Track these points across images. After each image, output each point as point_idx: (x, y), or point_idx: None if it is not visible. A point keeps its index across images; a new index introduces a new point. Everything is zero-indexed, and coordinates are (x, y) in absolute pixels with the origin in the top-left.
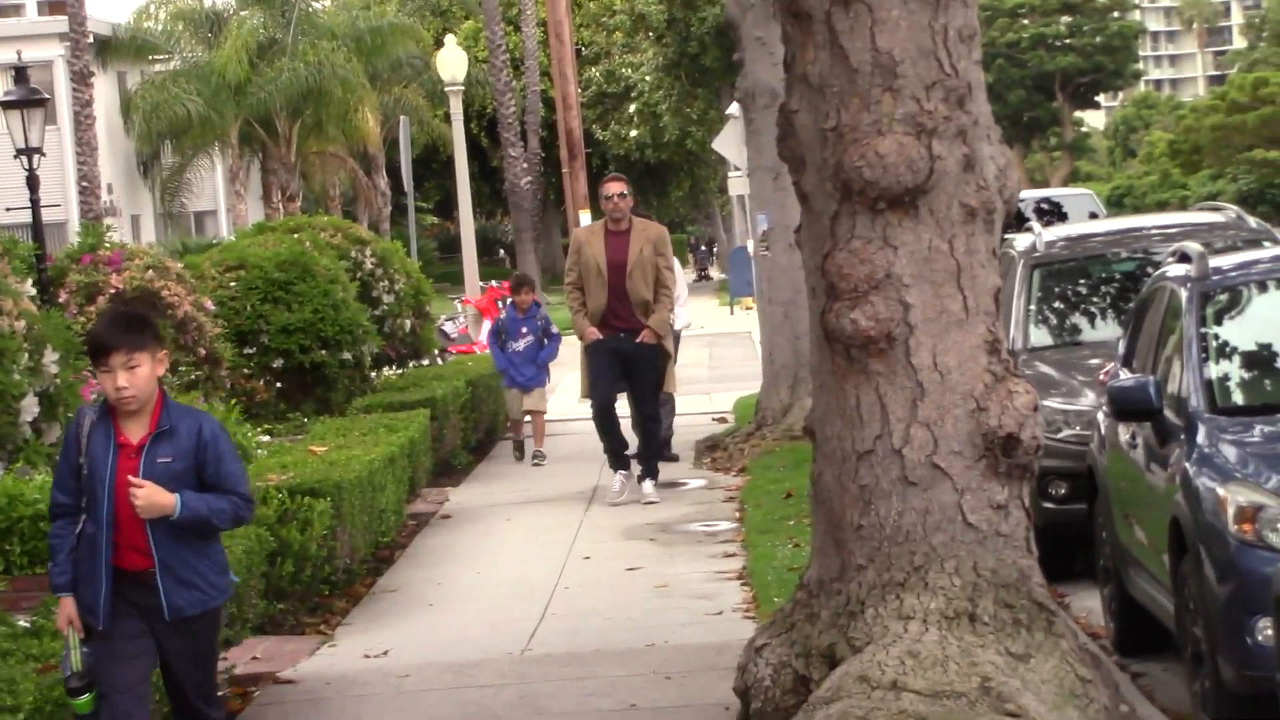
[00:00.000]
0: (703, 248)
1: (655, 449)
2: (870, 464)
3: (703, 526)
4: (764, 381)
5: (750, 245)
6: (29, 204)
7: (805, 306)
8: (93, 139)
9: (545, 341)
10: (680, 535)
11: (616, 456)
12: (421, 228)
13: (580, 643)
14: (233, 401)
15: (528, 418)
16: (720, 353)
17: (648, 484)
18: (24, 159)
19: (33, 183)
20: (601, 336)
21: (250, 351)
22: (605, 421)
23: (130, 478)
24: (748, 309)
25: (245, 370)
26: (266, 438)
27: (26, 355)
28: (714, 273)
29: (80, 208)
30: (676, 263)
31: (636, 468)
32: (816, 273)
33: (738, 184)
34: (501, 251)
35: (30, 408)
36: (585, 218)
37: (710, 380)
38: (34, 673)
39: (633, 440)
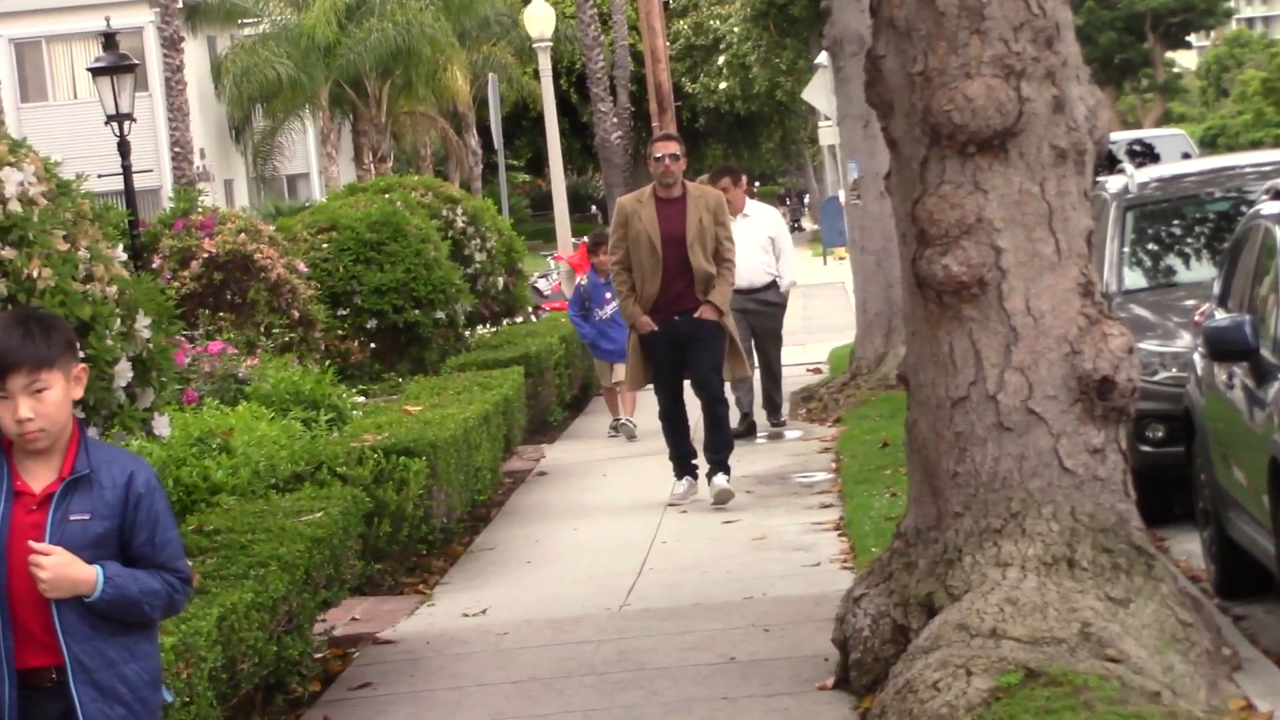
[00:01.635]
0: (791, 199)
1: (725, 438)
2: (965, 410)
3: (799, 477)
4: (858, 331)
5: (842, 195)
6: (121, 170)
7: (897, 255)
8: (184, 104)
9: None
10: (776, 487)
11: (682, 462)
12: (513, 185)
13: (678, 596)
14: (327, 363)
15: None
16: (814, 303)
17: (720, 478)
18: (115, 125)
19: (124, 149)
20: (656, 327)
21: (344, 313)
22: (675, 422)
23: (31, 541)
24: (840, 259)
25: (339, 331)
26: (361, 398)
27: (119, 321)
28: (806, 223)
29: (173, 173)
30: (781, 219)
31: (704, 465)
32: (907, 219)
33: (828, 134)
34: (594, 207)
35: (124, 373)
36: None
37: (804, 331)
38: None
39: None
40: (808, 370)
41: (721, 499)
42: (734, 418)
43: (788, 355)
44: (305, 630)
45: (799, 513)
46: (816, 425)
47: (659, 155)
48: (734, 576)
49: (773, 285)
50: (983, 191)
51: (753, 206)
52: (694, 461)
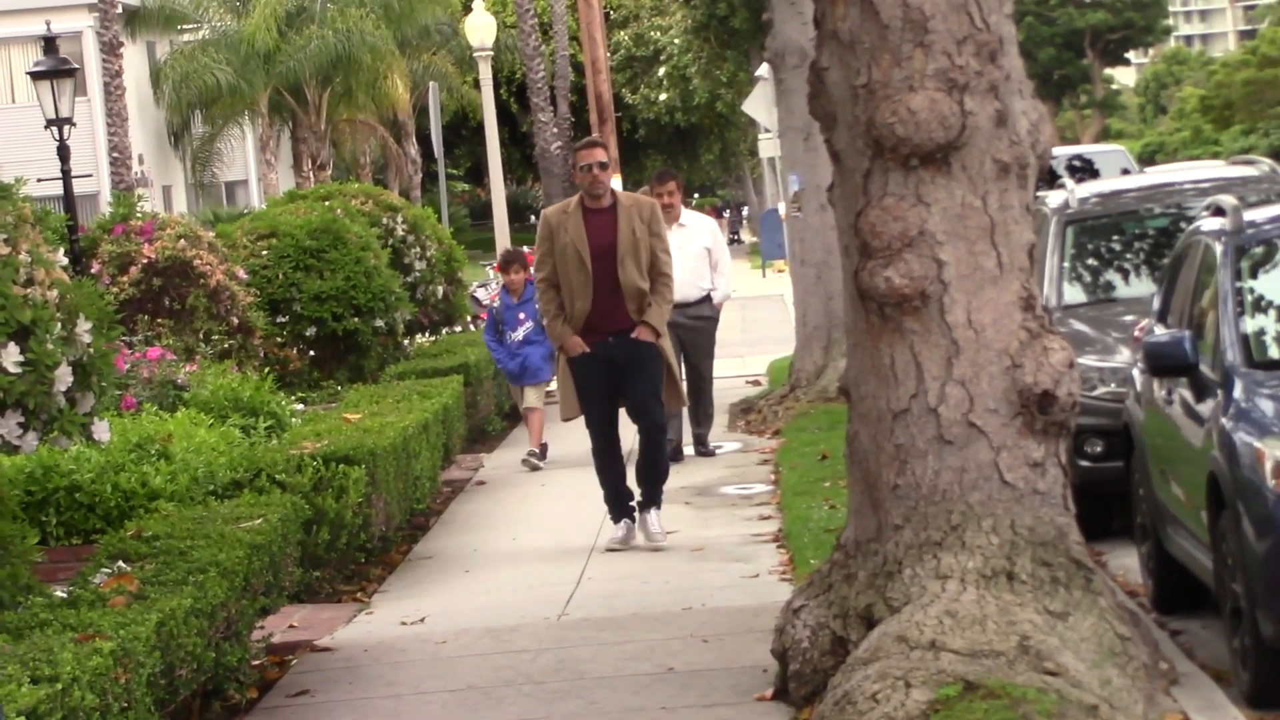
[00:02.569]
0: (730, 211)
1: (660, 468)
2: (906, 423)
3: (738, 489)
4: (797, 343)
5: (781, 207)
6: (60, 175)
7: (838, 267)
8: (123, 109)
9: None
10: (715, 498)
11: (618, 505)
12: (452, 194)
13: (617, 607)
14: (266, 370)
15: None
16: (753, 315)
17: (653, 516)
18: (54, 130)
19: (63, 153)
20: (588, 348)
21: (283, 320)
22: (608, 457)
23: None
24: (779, 271)
25: (278, 339)
26: (300, 406)
27: (60, 325)
28: (745, 235)
29: (111, 179)
30: (718, 229)
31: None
32: (849, 231)
33: (768, 146)
34: (533, 217)
35: (65, 377)
36: (616, 183)
37: (743, 343)
38: (71, 643)
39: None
40: (746, 382)
41: (653, 542)
42: None
43: (726, 367)
44: (244, 637)
45: (738, 524)
46: (755, 437)
47: (585, 164)
48: (673, 587)
49: (706, 299)
50: (925, 204)
51: (689, 216)
52: (632, 504)
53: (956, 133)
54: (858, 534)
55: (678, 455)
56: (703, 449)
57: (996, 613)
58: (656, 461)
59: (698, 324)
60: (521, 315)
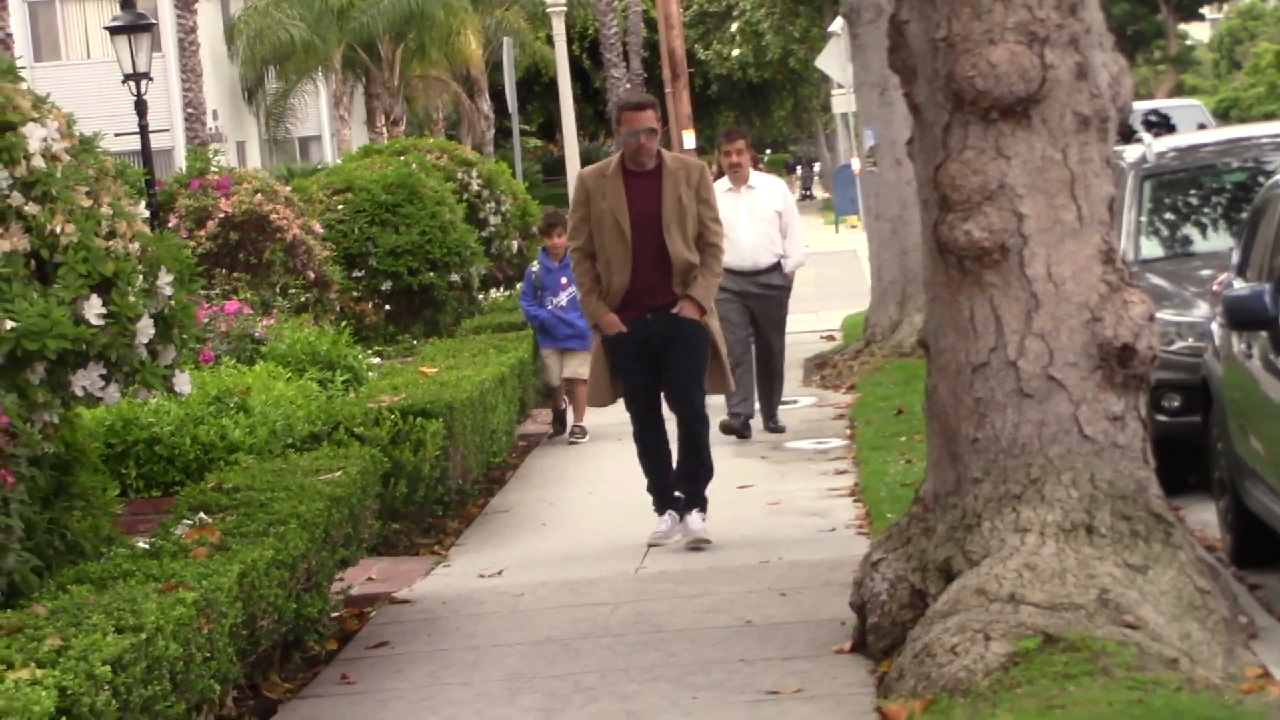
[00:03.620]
0: (802, 167)
1: (703, 465)
2: (985, 377)
3: (813, 444)
4: (872, 298)
5: (855, 163)
6: (138, 129)
7: (912, 222)
8: (197, 65)
9: None
10: (791, 453)
11: (662, 495)
12: (525, 150)
13: (694, 560)
14: (343, 324)
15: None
16: (826, 271)
17: (696, 518)
18: (132, 84)
19: (141, 108)
20: (625, 328)
21: (359, 274)
22: (651, 442)
23: None
24: (852, 227)
25: (354, 293)
26: (377, 360)
27: (141, 278)
28: (817, 192)
29: (186, 134)
30: (789, 192)
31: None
32: (929, 184)
33: (841, 101)
34: None
35: (146, 330)
36: (689, 139)
37: (817, 299)
38: (154, 593)
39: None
40: (821, 337)
41: (697, 546)
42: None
43: (800, 322)
44: (323, 588)
45: (814, 478)
46: (830, 392)
47: (632, 130)
48: (750, 541)
49: (777, 266)
50: (1005, 158)
51: (759, 178)
52: (678, 494)
53: (1036, 86)
54: (936, 487)
55: (745, 430)
56: (772, 424)
57: (1076, 566)
58: (698, 457)
59: (769, 293)
60: (564, 280)
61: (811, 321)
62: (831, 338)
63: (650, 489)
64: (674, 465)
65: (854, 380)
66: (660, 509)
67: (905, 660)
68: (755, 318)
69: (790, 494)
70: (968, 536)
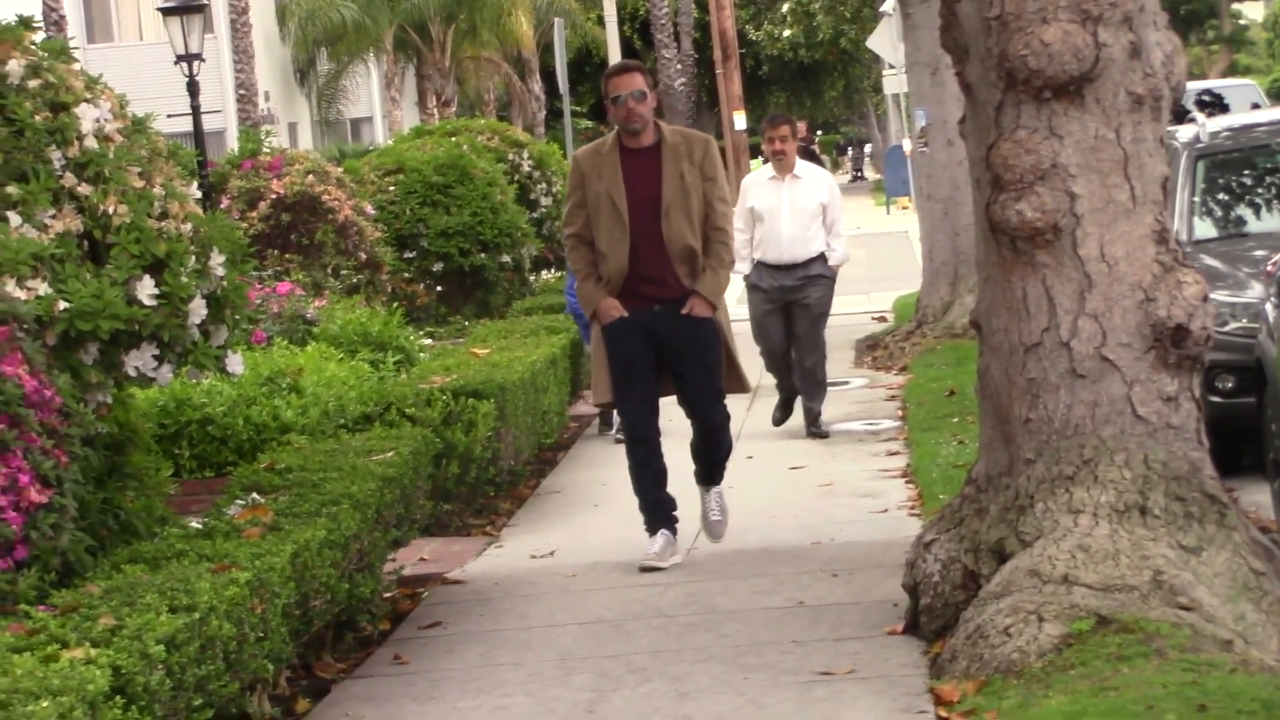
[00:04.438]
0: (853, 148)
1: (721, 452)
2: (1038, 357)
3: (865, 425)
4: (924, 279)
5: (906, 144)
6: (190, 111)
7: (964, 203)
8: (249, 46)
9: None
10: (843, 434)
11: (655, 512)
12: (576, 131)
13: (746, 541)
14: (394, 305)
15: None
16: (877, 252)
17: (714, 497)
18: (184, 65)
19: (193, 89)
20: (625, 313)
21: (410, 255)
22: (645, 452)
23: None
24: (903, 208)
25: (406, 274)
26: (428, 341)
27: (194, 258)
28: (869, 173)
29: (238, 116)
30: (834, 184)
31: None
32: (981, 164)
33: (892, 82)
34: None
35: (199, 310)
36: (740, 120)
37: (868, 280)
38: (208, 573)
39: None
40: (872, 318)
41: (715, 532)
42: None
43: (851, 304)
44: (376, 569)
45: (866, 460)
46: (882, 373)
47: (616, 95)
48: (801, 522)
49: (820, 258)
50: (1058, 137)
51: (804, 167)
52: (674, 512)
53: (1090, 65)
54: (989, 468)
55: (789, 410)
56: (815, 429)
57: (1129, 547)
58: (715, 449)
59: (807, 282)
60: None
61: (863, 303)
62: (883, 319)
63: (642, 506)
64: (676, 506)
65: (905, 361)
66: (652, 527)
67: (958, 641)
68: (793, 313)
69: (842, 475)
70: (1020, 518)
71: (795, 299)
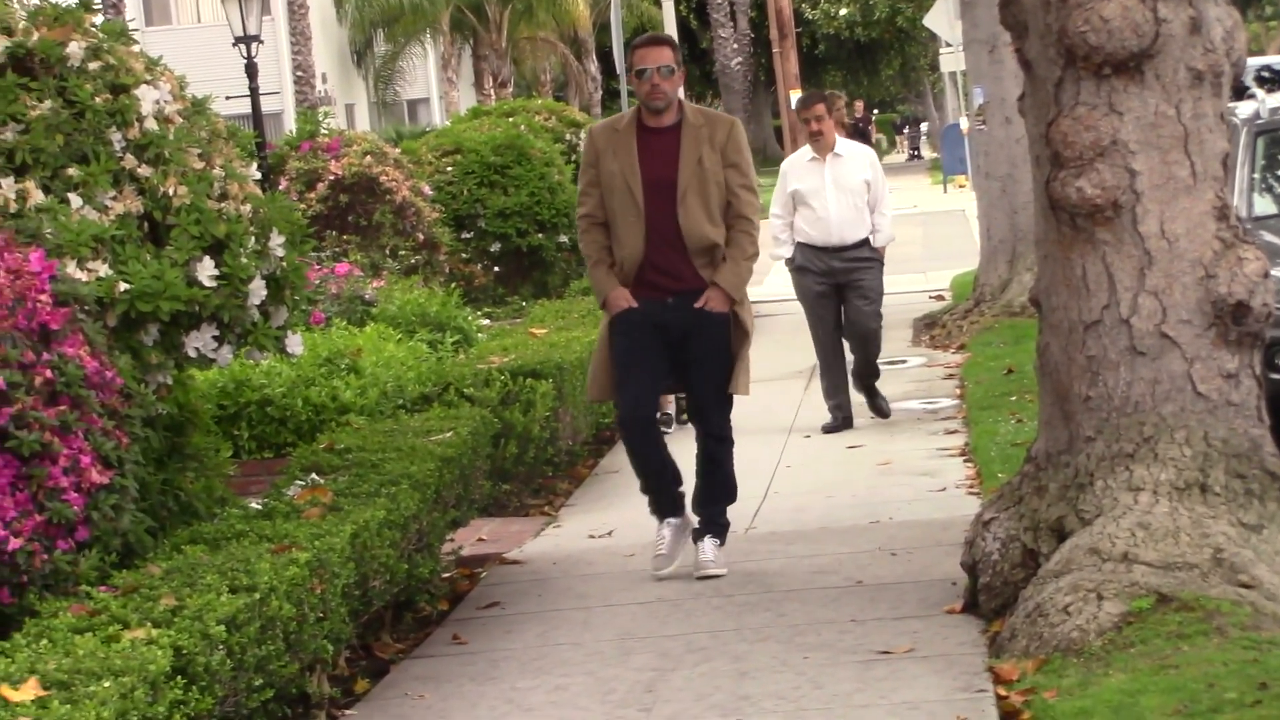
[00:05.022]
0: (910, 127)
1: (725, 484)
2: (1098, 334)
3: (923, 404)
4: (981, 257)
5: (963, 122)
6: (248, 92)
7: (1022, 181)
8: (306, 28)
9: None
10: (900, 413)
11: (661, 497)
12: None
13: (804, 520)
14: (452, 285)
15: None
16: (934, 231)
17: (708, 545)
18: (242, 47)
19: (251, 71)
20: (636, 303)
21: (468, 236)
22: (641, 440)
23: None
24: (960, 187)
25: (463, 254)
26: (486, 321)
27: (253, 239)
28: (925, 151)
29: (296, 98)
30: (877, 161)
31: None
32: (1040, 141)
33: (949, 60)
34: None
35: (258, 291)
36: (796, 98)
37: (925, 259)
38: (268, 553)
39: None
40: (929, 297)
41: (706, 576)
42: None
43: (908, 282)
44: (435, 549)
45: (923, 438)
46: (940, 352)
47: (642, 69)
48: (859, 501)
49: (866, 241)
50: (1118, 114)
51: (845, 145)
52: (681, 489)
53: (1150, 40)
54: (1048, 446)
55: (847, 424)
56: (877, 406)
57: (1190, 525)
58: (719, 479)
59: (858, 265)
60: None
61: (920, 281)
62: (940, 297)
63: (643, 489)
64: (683, 481)
65: (963, 340)
66: (659, 512)
67: (1017, 620)
68: (843, 298)
69: (900, 454)
70: (1080, 495)
71: (847, 283)
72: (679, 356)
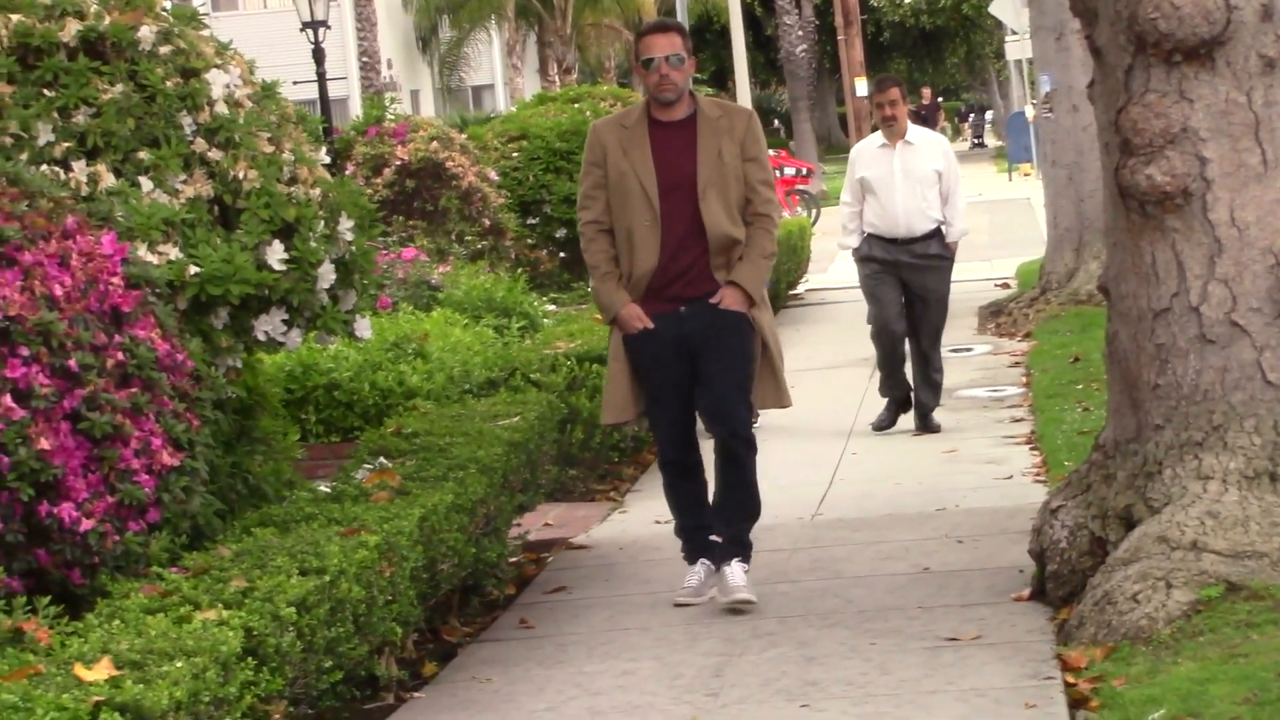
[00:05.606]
0: (975, 114)
1: (749, 500)
2: (1167, 322)
3: (989, 392)
4: (1048, 246)
5: (1029, 110)
6: (315, 77)
7: (1089, 168)
8: (372, 14)
9: None
10: (966, 401)
11: (695, 539)
12: None
13: (870, 507)
14: (518, 271)
15: None
16: (999, 219)
17: (736, 571)
18: (309, 32)
19: (319, 56)
20: (650, 323)
21: (533, 221)
22: (681, 472)
23: None
24: (1025, 175)
25: (529, 240)
26: (552, 306)
27: (322, 223)
28: (989, 140)
29: (361, 83)
30: (950, 149)
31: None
32: (1110, 128)
33: (1015, 48)
34: (776, 121)
35: (327, 275)
36: (861, 86)
37: (990, 247)
38: (337, 536)
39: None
40: (995, 285)
41: (737, 608)
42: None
43: (973, 270)
44: (502, 533)
45: (990, 426)
46: (1005, 340)
47: (649, 58)
48: (925, 488)
49: (937, 234)
50: (1188, 101)
51: (918, 134)
52: (713, 537)
53: (1220, 27)
54: (1117, 434)
55: (905, 407)
56: (925, 424)
57: (1259, 514)
58: (742, 491)
59: (926, 264)
60: None
61: (985, 269)
62: (1006, 285)
63: (678, 530)
64: (710, 501)
65: (1029, 328)
66: (691, 555)
67: (1085, 608)
68: (910, 293)
69: (966, 442)
70: (1149, 484)
71: (913, 281)
72: (697, 363)
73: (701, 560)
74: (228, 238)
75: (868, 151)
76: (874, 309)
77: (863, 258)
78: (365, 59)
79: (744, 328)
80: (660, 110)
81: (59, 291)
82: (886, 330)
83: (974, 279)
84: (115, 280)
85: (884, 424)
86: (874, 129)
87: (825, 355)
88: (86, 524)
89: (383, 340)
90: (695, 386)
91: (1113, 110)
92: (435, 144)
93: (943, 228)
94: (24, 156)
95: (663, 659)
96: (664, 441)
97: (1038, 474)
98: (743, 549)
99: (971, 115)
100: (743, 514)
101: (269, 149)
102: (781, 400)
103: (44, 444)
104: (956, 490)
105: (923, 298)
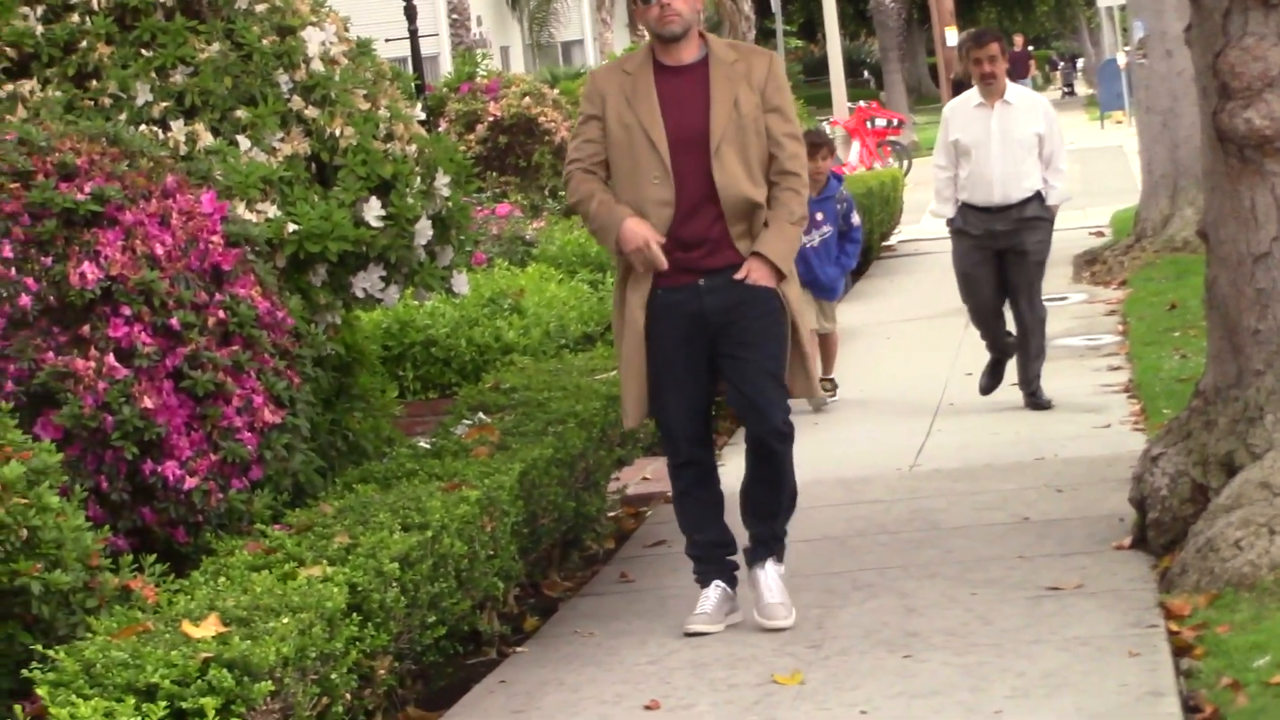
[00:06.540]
0: (1064, 64)
1: (784, 495)
2: (1267, 266)
3: (1085, 340)
4: (1142, 193)
5: (1120, 57)
6: (407, 34)
7: (1183, 114)
8: None
9: (846, 236)
10: (1063, 349)
11: (710, 558)
12: (786, 51)
13: (968, 457)
14: None
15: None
16: (1092, 167)
17: (771, 575)
18: None
19: (410, 13)
20: (660, 236)
21: None
22: (694, 477)
23: None
24: (1118, 123)
25: None
26: None
27: (419, 179)
28: (1080, 88)
29: (451, 40)
30: (1051, 109)
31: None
32: (1207, 72)
33: None
34: (865, 73)
35: (424, 231)
36: (951, 36)
37: (1084, 195)
38: (438, 492)
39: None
40: (1089, 234)
41: (773, 617)
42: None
43: (1067, 219)
44: (601, 487)
45: (1087, 375)
46: (1100, 288)
47: None
48: (1024, 438)
49: (1036, 198)
50: None
51: (1017, 93)
52: (731, 556)
53: None
54: (1217, 380)
55: (1039, 401)
56: (1034, 399)
57: None
58: (778, 487)
59: (1023, 226)
60: (819, 215)
61: (1079, 218)
62: (1100, 233)
63: (693, 550)
64: (737, 550)
65: (1124, 276)
66: (705, 577)
67: (1188, 555)
68: (1005, 263)
69: (1063, 391)
70: (1250, 430)
71: (1009, 245)
72: (721, 349)
73: (717, 583)
74: (325, 195)
75: (963, 111)
76: (964, 290)
77: (956, 230)
78: (455, 16)
79: (773, 305)
80: (665, 53)
81: (160, 251)
82: (981, 315)
83: (1068, 228)
84: (215, 239)
85: (988, 388)
86: (955, 82)
87: (918, 306)
88: (190, 482)
89: (479, 296)
90: (713, 374)
91: (1210, 54)
92: (527, 100)
93: (1044, 191)
94: (123, 117)
95: None
96: (678, 439)
97: (1136, 422)
98: (778, 545)
99: (1062, 64)
100: (778, 507)
101: (365, 106)
102: (811, 389)
103: (147, 403)
104: (1055, 439)
105: (1020, 255)
